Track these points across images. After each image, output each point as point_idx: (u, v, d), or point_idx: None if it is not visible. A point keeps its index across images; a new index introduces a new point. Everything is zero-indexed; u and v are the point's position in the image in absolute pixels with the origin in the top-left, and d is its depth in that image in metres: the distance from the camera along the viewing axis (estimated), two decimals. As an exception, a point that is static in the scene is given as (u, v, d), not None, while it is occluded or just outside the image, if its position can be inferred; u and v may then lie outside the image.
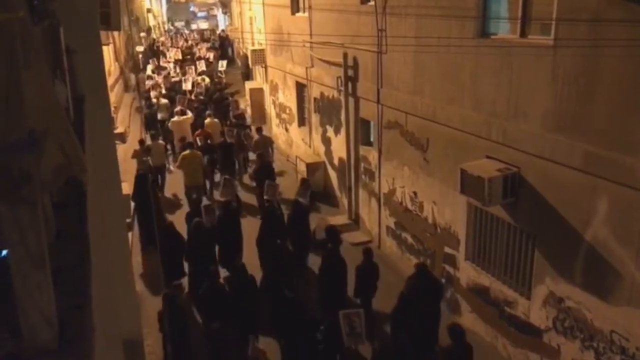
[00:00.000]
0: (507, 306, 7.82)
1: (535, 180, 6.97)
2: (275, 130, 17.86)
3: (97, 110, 4.82)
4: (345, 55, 11.23)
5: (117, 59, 21.73)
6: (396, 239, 10.64)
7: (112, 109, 15.08)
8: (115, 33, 18.26)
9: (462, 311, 8.79)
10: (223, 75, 23.31)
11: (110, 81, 16.17)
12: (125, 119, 18.44)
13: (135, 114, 20.08)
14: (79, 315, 1.50)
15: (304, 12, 13.70)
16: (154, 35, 38.38)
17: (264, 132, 15.37)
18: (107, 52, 16.90)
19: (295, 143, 15.87)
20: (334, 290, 8.41)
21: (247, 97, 20.95)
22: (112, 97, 16.05)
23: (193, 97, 18.95)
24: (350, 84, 11.46)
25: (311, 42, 13.16)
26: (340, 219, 12.10)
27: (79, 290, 1.61)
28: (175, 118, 15.99)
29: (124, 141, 14.80)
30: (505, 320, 7.87)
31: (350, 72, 11.34)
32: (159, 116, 17.83)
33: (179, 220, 10.86)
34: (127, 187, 10.01)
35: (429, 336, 7.65)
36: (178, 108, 16.39)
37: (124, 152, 14.11)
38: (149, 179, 11.45)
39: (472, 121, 7.91)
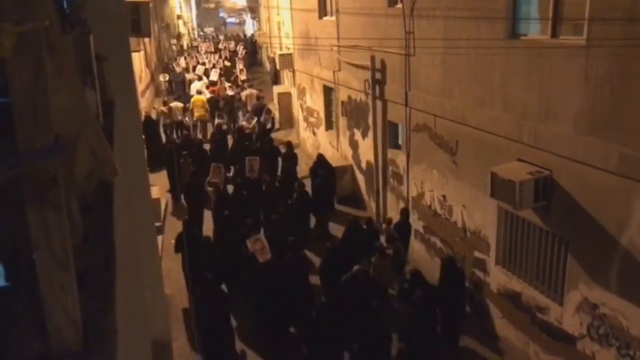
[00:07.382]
0: (539, 312, 7.65)
1: (568, 184, 6.81)
2: (302, 133, 17.92)
3: (126, 115, 4.91)
4: (372, 58, 11.20)
5: (147, 65, 22.20)
6: (425, 243, 10.54)
7: (143, 114, 15.42)
8: (146, 40, 18.74)
9: (492, 316, 8.64)
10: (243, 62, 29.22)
11: (141, 87, 16.61)
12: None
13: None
14: (103, 317, 1.53)
15: (332, 16, 13.72)
16: (184, 42, 40.52)
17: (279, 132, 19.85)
18: (138, 58, 17.34)
19: (323, 146, 15.88)
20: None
21: (275, 101, 21.06)
22: (143, 102, 16.53)
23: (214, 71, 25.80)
24: (377, 87, 11.41)
25: (338, 46, 13.17)
26: (368, 223, 12.03)
27: (104, 293, 1.64)
28: (196, 83, 22.52)
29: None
30: (537, 327, 7.70)
31: (378, 75, 11.30)
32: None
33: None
34: (156, 191, 10.29)
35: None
36: (196, 75, 24.14)
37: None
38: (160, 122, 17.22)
39: (502, 123, 7.78)
